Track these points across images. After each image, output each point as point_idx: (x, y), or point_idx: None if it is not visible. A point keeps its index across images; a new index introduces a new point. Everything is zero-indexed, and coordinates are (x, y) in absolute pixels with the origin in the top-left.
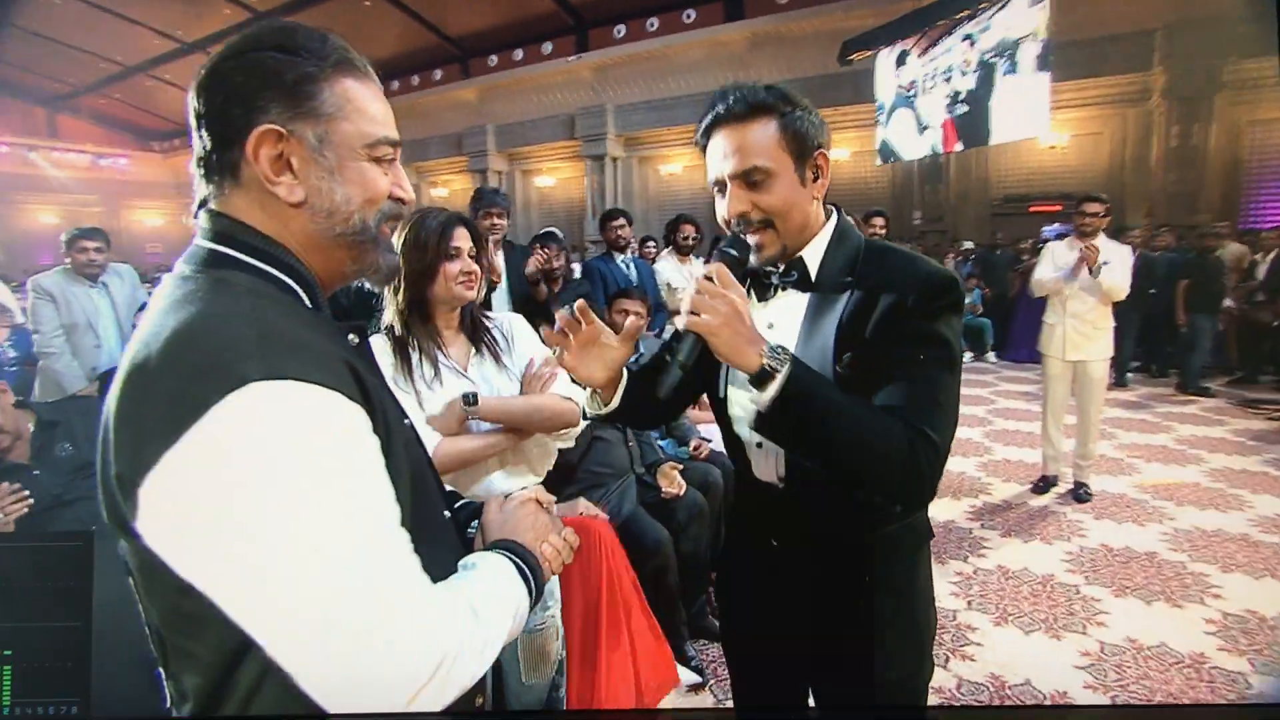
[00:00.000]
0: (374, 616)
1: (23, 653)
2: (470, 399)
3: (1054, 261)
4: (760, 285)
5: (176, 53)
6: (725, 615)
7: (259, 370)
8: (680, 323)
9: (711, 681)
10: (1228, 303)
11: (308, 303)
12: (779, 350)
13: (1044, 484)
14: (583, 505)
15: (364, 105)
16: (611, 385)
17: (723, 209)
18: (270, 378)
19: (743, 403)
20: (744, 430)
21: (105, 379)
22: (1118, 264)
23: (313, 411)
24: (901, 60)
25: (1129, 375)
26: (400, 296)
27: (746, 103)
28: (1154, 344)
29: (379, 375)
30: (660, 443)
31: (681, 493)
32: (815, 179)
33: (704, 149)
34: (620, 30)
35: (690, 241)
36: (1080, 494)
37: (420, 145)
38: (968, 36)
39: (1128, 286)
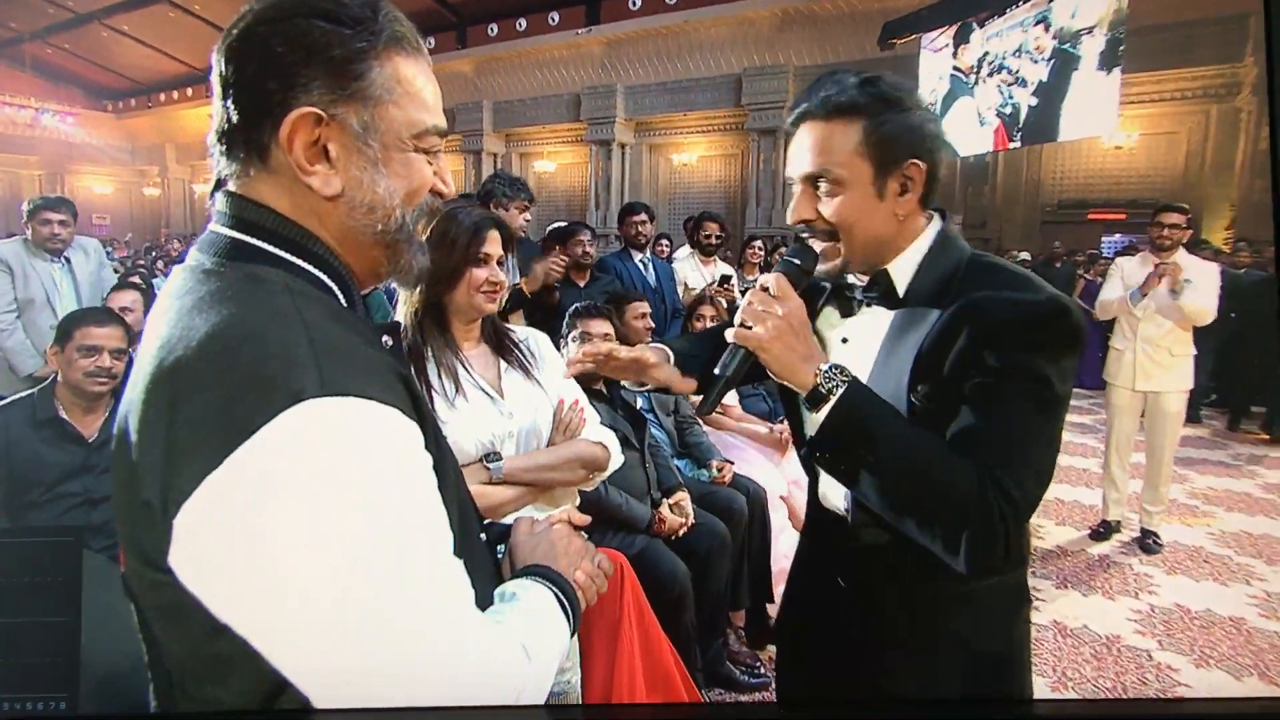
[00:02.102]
0: (438, 669)
1: (11, 648)
2: (492, 458)
3: (1124, 280)
4: (843, 300)
5: (136, 2)
6: (782, 659)
7: (316, 385)
8: (730, 334)
9: None
10: None
11: (344, 303)
12: (836, 370)
13: (1104, 529)
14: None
15: (416, 89)
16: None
17: (790, 210)
18: (328, 394)
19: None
20: None
21: None
22: (1203, 283)
23: (374, 433)
24: (964, 37)
25: (1203, 410)
26: (416, 298)
27: (831, 99)
28: (1234, 375)
29: (417, 383)
30: (677, 463)
31: (683, 527)
32: (903, 192)
33: (791, 139)
34: (636, 2)
35: (714, 241)
36: (1148, 544)
37: None
38: (1042, 18)
39: (1214, 310)
